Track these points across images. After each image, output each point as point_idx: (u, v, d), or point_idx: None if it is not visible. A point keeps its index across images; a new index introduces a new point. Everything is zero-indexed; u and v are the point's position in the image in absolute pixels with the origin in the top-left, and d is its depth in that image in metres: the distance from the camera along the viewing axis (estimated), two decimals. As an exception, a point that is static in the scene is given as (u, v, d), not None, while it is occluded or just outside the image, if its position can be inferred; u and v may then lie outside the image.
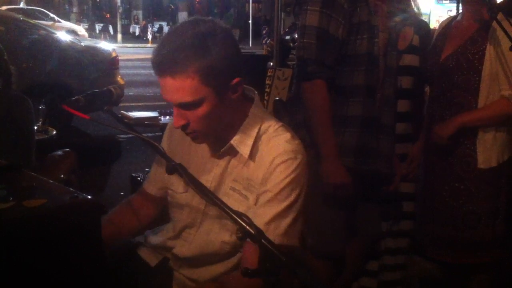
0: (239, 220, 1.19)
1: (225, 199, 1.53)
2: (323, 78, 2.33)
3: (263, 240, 1.15)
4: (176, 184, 1.75)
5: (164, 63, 1.46)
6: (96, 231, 1.14)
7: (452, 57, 2.62)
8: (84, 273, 1.14)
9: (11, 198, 1.15)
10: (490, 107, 2.53)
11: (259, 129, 1.62)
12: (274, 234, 1.54)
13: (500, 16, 2.41)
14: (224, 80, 1.50)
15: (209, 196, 1.30)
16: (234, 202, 1.61)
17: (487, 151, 2.56)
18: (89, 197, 1.17)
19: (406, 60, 2.84)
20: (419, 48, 2.87)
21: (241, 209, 1.57)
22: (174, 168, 1.38)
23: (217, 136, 1.63)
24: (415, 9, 2.95)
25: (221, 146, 1.65)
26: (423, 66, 2.84)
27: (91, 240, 1.13)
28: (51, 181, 1.29)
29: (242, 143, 1.61)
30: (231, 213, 1.21)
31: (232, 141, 1.61)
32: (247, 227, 1.17)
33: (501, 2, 2.68)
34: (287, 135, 1.62)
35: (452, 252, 2.69)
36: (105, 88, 1.67)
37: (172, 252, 1.76)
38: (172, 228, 1.80)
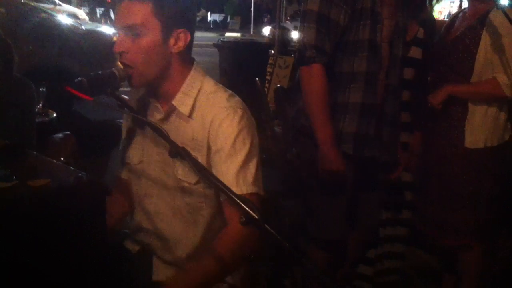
0: (243, 205, 1.19)
1: (177, 165, 1.67)
2: (321, 63, 2.33)
3: (266, 226, 1.14)
4: (132, 157, 1.83)
5: None
6: (100, 212, 1.14)
7: (451, 42, 2.69)
8: (87, 252, 1.13)
9: (14, 178, 1.14)
10: (480, 83, 2.61)
11: (199, 90, 1.72)
12: (245, 185, 1.63)
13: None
14: (172, 21, 1.64)
15: (212, 181, 1.31)
16: (185, 166, 1.67)
17: (475, 132, 2.63)
18: (93, 178, 1.16)
19: (409, 52, 2.83)
20: (424, 41, 2.87)
21: (192, 171, 1.65)
22: (178, 152, 1.38)
23: (153, 84, 1.70)
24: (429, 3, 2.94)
25: (164, 110, 1.74)
26: (427, 58, 2.85)
27: (95, 220, 1.12)
28: (55, 161, 1.28)
29: (182, 103, 1.70)
30: (235, 198, 1.21)
31: (173, 101, 1.70)
32: (251, 212, 1.17)
33: None
34: (225, 94, 1.72)
35: (437, 231, 2.78)
36: (108, 70, 1.66)
37: (142, 227, 1.81)
38: (136, 205, 1.85)
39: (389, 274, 3.02)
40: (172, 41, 1.66)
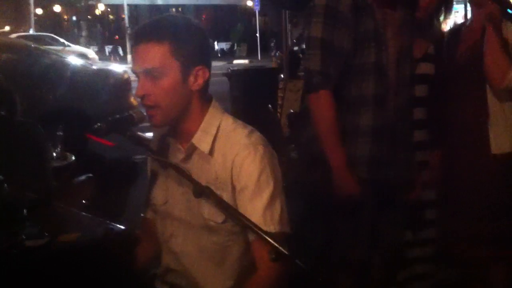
0: (272, 241, 1.18)
1: (203, 204, 1.65)
2: (329, 89, 2.33)
3: (297, 261, 1.14)
4: (156, 198, 1.81)
5: (142, 31, 1.67)
6: (131, 262, 1.14)
7: (466, 53, 2.67)
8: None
9: (45, 234, 1.14)
10: (503, 56, 2.49)
11: (218, 127, 1.71)
12: (273, 223, 1.61)
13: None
14: (190, 60, 1.64)
15: (239, 218, 1.30)
16: (211, 205, 1.65)
17: (500, 137, 2.59)
18: (123, 227, 1.16)
19: (421, 68, 2.83)
20: (434, 56, 2.86)
21: (219, 210, 1.63)
22: (202, 191, 1.39)
23: (174, 123, 1.70)
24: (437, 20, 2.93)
25: (185, 149, 1.72)
26: (439, 72, 2.84)
27: (126, 271, 1.11)
28: (83, 213, 1.29)
29: (202, 141, 1.69)
30: (263, 234, 1.20)
31: (193, 140, 1.69)
32: (280, 248, 1.16)
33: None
34: (245, 131, 1.70)
35: (468, 245, 2.69)
36: (126, 114, 1.68)
37: (170, 268, 1.78)
38: (162, 247, 1.82)
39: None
40: (191, 79, 1.66)
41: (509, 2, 2.43)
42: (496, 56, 2.52)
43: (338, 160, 2.33)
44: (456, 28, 2.90)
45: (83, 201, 2.99)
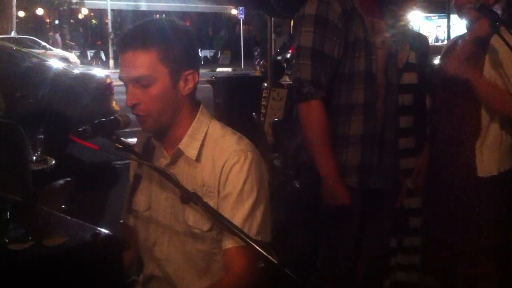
0: (260, 249, 1.16)
1: (187, 211, 1.63)
2: (319, 99, 2.32)
3: (286, 270, 1.12)
4: (139, 204, 1.79)
5: (128, 38, 1.62)
6: (119, 268, 1.10)
7: (457, 70, 2.65)
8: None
9: (29, 238, 1.10)
10: (495, 90, 2.52)
11: (206, 133, 1.69)
12: (250, 234, 1.56)
13: (501, 29, 2.42)
14: (179, 65, 1.62)
15: (226, 225, 1.29)
16: (196, 212, 1.63)
17: (486, 159, 2.58)
18: (110, 233, 1.13)
19: (405, 78, 2.85)
20: (416, 65, 2.88)
21: (205, 217, 1.61)
22: (189, 197, 1.36)
23: (164, 129, 1.67)
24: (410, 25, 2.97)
25: (170, 154, 1.70)
26: (423, 82, 2.86)
27: (114, 277, 1.08)
28: (69, 218, 1.26)
29: (189, 146, 1.68)
30: (251, 242, 1.18)
31: (179, 145, 1.67)
32: (269, 257, 1.14)
33: (502, 16, 2.69)
34: (234, 137, 1.69)
35: (452, 259, 2.70)
36: (112, 117, 1.65)
37: (154, 275, 1.76)
38: (144, 254, 1.80)
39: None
40: (181, 84, 1.65)
41: (497, 14, 2.44)
42: (489, 97, 2.55)
43: (329, 169, 2.32)
44: (453, 42, 2.87)
45: (62, 206, 2.93)
